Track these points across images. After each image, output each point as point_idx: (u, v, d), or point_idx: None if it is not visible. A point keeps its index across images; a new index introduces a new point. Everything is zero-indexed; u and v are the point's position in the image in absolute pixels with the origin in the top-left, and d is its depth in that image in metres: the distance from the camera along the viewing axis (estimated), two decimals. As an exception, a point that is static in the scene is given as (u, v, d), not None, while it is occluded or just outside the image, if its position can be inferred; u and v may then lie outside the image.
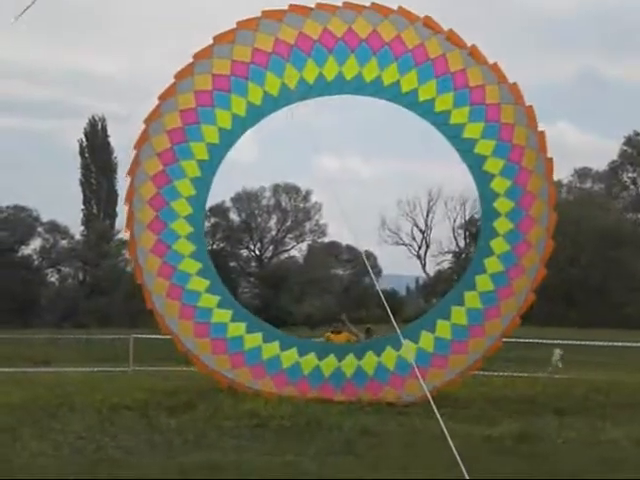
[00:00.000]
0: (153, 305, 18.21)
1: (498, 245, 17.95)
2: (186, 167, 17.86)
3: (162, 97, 17.56)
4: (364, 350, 18.44)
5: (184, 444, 12.93)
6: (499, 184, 17.79)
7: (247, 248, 79.41)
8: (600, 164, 75.10)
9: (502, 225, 17.90)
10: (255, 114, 17.88)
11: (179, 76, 17.48)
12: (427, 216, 78.63)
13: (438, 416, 11.33)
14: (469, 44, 17.33)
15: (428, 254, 79.00)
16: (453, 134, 17.82)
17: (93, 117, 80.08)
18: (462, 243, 77.80)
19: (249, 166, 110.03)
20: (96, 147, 79.00)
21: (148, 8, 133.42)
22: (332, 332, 19.89)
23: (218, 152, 18.05)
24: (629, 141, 71.54)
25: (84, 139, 79.27)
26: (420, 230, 78.86)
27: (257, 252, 79.56)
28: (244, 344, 18.23)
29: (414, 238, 79.13)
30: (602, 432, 14.14)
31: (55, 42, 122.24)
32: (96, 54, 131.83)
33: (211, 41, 17.32)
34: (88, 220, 77.58)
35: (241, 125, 17.96)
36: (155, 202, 17.92)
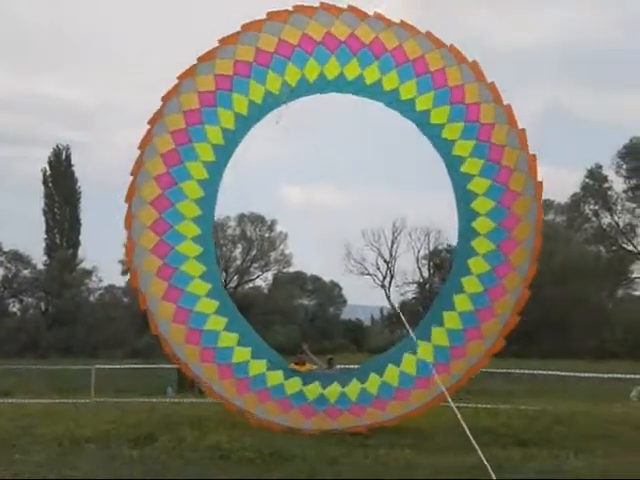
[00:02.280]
0: (159, 331, 18.11)
1: (477, 265, 18.00)
2: (192, 169, 17.79)
3: (165, 97, 17.56)
4: (348, 378, 18.56)
5: (146, 475, 12.81)
6: (481, 204, 17.83)
7: (212, 278, 79.06)
8: (562, 196, 75.75)
9: (482, 245, 17.93)
10: (256, 113, 17.88)
11: (182, 76, 17.50)
12: (392, 246, 78.81)
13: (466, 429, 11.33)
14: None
15: (392, 284, 79.08)
16: (443, 148, 17.87)
17: (57, 146, 79.62)
18: (426, 274, 77.95)
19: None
20: (60, 176, 78.44)
21: (116, 37, 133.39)
22: (295, 363, 19.85)
23: (224, 152, 18.00)
24: (591, 174, 72.28)
25: (47, 168, 78.72)
26: (385, 260, 78.97)
27: (222, 282, 79.30)
28: (249, 370, 18.16)
29: (379, 268, 79.18)
30: (565, 463, 14.21)
31: (19, 68, 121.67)
32: (61, 81, 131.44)
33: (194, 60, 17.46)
34: (51, 249, 76.84)
35: (244, 124, 17.95)
36: (157, 227, 17.76)
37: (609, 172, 71.89)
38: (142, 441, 15.88)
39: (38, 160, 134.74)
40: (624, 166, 70.80)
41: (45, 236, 78.12)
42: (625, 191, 71.83)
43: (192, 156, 17.76)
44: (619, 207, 72.70)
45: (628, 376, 30.10)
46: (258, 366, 18.22)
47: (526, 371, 31.23)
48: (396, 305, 76.34)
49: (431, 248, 77.77)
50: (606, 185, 72.59)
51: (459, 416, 13.80)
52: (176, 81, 17.52)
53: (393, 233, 77.89)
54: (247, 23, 17.42)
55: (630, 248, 72.93)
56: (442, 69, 17.55)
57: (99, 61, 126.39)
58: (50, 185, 78.32)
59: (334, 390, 18.25)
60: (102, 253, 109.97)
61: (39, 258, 76.55)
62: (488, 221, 17.86)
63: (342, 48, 17.58)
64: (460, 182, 17.87)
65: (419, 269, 78.11)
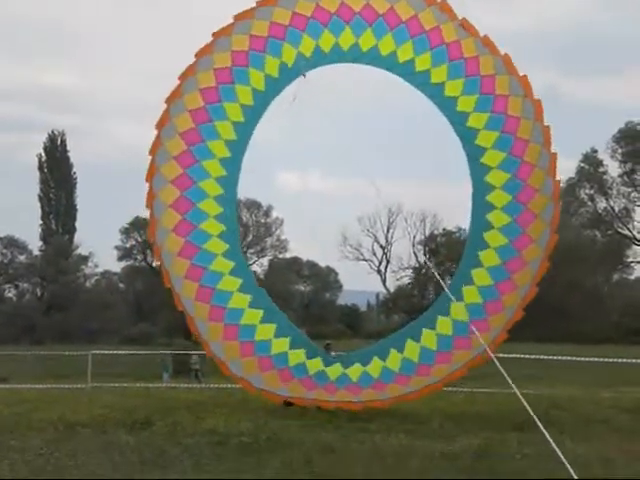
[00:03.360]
0: (196, 331, 18.45)
1: (488, 257, 17.92)
2: (213, 147, 17.88)
3: (182, 76, 17.60)
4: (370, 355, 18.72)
5: (142, 463, 12.78)
6: (497, 196, 17.77)
7: (208, 264, 79.01)
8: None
9: (494, 238, 17.84)
10: (274, 87, 17.89)
11: (199, 54, 17.54)
12: (387, 232, 78.89)
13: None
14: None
15: (388, 270, 79.18)
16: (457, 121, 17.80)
17: (53, 132, 79.48)
18: (422, 259, 78.06)
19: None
20: (55, 162, 78.30)
21: (111, 26, 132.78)
22: None
23: (244, 130, 18.02)
24: (586, 158, 72.27)
25: (43, 154, 78.55)
26: (380, 246, 79.08)
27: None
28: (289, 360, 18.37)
29: (375, 254, 79.29)
30: (562, 448, 14.21)
31: (15, 55, 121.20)
32: (57, 68, 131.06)
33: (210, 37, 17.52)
34: (46, 235, 76.77)
35: (262, 99, 17.95)
36: (180, 205, 17.92)
37: (604, 156, 71.89)
38: (138, 426, 15.87)
39: (33, 146, 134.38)
40: (619, 150, 70.80)
41: (41, 222, 78.09)
42: (620, 175, 71.84)
43: (213, 135, 17.84)
44: (614, 192, 72.76)
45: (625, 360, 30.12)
46: (281, 344, 18.34)
47: (523, 355, 31.20)
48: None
49: (427, 233, 77.86)
50: (601, 169, 72.61)
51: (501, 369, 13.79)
52: (193, 59, 17.62)
53: (389, 219, 77.99)
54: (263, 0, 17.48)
55: (626, 232, 73.03)
56: (457, 41, 17.45)
57: (95, 48, 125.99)
58: (45, 171, 78.27)
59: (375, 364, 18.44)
60: (98, 239, 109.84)
61: (35, 244, 76.62)
62: (504, 194, 17.74)
63: (357, 19, 17.52)
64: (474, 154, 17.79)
65: (414, 254, 78.26)
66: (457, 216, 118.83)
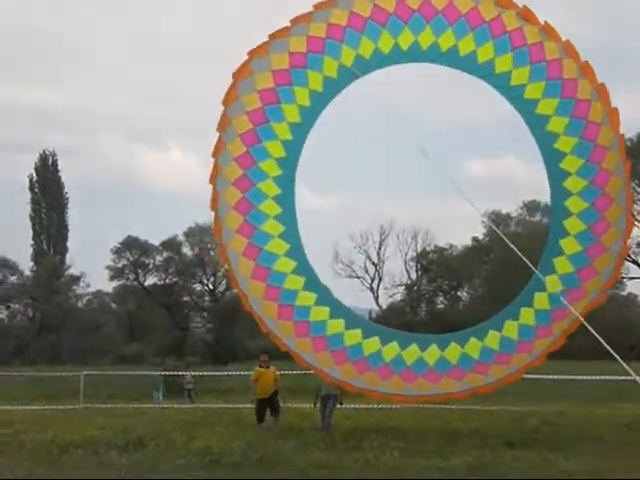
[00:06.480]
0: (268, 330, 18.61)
1: (569, 245, 18.01)
2: (270, 148, 18.04)
3: (236, 76, 17.71)
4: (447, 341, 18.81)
5: (136, 480, 12.76)
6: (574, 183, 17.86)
7: (200, 282, 78.85)
8: (548, 197, 75.48)
9: (574, 225, 17.95)
10: (332, 88, 17.98)
11: (253, 54, 17.65)
12: (379, 249, 78.84)
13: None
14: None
15: (381, 287, 79.11)
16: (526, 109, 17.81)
17: (44, 152, 79.41)
18: (414, 275, 78.04)
19: (201, 200, 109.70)
20: (46, 182, 78.22)
21: (102, 42, 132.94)
22: (260, 366, 20.06)
23: (301, 132, 18.16)
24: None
25: (34, 174, 78.48)
26: (373, 263, 79.00)
27: (210, 286, 79.05)
28: (363, 350, 18.42)
29: (367, 271, 79.20)
30: (554, 464, 14.24)
31: (4, 74, 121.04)
32: (48, 87, 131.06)
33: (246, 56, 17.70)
34: (38, 256, 76.57)
35: (320, 101, 18.04)
36: (241, 206, 18.11)
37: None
38: (131, 447, 15.85)
39: (24, 166, 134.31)
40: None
41: (32, 242, 77.88)
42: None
43: (270, 136, 17.99)
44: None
45: (615, 378, 30.14)
46: (354, 336, 18.43)
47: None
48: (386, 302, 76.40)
49: (419, 250, 77.89)
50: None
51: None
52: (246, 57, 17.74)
53: (381, 236, 78.00)
54: (320, 2, 17.54)
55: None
56: (520, 28, 17.48)
57: (86, 67, 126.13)
58: (37, 191, 78.10)
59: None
60: (89, 258, 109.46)
61: (26, 264, 76.33)
62: (580, 179, 17.80)
63: (416, 17, 17.58)
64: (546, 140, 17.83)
65: (407, 271, 78.23)
66: (449, 232, 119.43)
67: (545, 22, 17.51)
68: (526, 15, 17.49)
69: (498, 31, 17.50)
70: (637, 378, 15.24)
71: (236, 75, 17.69)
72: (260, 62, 17.66)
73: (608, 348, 14.56)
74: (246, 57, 17.72)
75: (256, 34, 18.00)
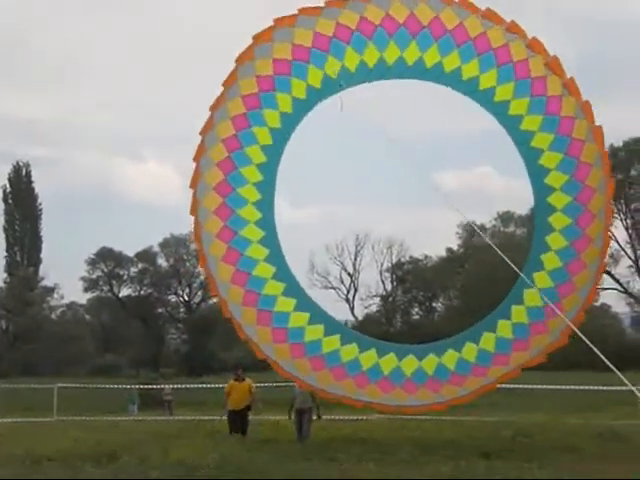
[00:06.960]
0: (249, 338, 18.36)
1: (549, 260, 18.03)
2: (251, 154, 17.96)
3: (225, 84, 17.62)
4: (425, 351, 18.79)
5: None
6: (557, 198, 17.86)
7: (175, 294, 78.65)
8: (522, 208, 76.03)
9: (556, 241, 17.95)
10: (315, 97, 17.93)
11: (240, 60, 17.53)
12: (355, 260, 78.95)
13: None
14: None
15: (356, 297, 79.19)
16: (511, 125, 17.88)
17: (17, 162, 79.04)
18: (389, 286, 78.22)
19: (176, 211, 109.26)
20: (20, 193, 77.83)
21: (78, 55, 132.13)
22: (235, 380, 19.99)
23: (281, 137, 18.11)
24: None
25: (7, 185, 78.08)
26: (348, 274, 79.07)
27: (185, 297, 78.85)
28: (341, 357, 18.39)
29: (342, 282, 79.26)
30: (528, 474, 14.28)
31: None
32: (21, 97, 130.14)
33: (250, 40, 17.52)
34: (11, 267, 76.06)
35: (302, 109, 18.01)
36: (221, 212, 18.01)
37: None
38: (105, 459, 15.72)
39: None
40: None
41: (5, 254, 77.41)
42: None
43: (251, 141, 17.93)
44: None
45: (596, 387, 30.37)
46: (332, 342, 18.40)
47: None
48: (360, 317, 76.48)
49: (394, 261, 78.06)
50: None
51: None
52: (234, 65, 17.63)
53: (356, 246, 78.12)
54: (304, 8, 17.48)
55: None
56: (506, 45, 17.46)
57: (59, 76, 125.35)
58: (10, 202, 77.65)
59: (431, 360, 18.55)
60: (63, 270, 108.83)
61: (-1, 276, 75.80)
62: (564, 195, 17.82)
63: (401, 31, 17.52)
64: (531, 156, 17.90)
65: (382, 282, 78.36)
66: (423, 243, 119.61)
67: (533, 37, 17.56)
68: (514, 29, 17.51)
69: (483, 48, 17.49)
70: (634, 389, 15.27)
71: (225, 83, 17.65)
72: (245, 67, 17.59)
73: (605, 360, 14.50)
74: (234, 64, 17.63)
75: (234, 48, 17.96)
